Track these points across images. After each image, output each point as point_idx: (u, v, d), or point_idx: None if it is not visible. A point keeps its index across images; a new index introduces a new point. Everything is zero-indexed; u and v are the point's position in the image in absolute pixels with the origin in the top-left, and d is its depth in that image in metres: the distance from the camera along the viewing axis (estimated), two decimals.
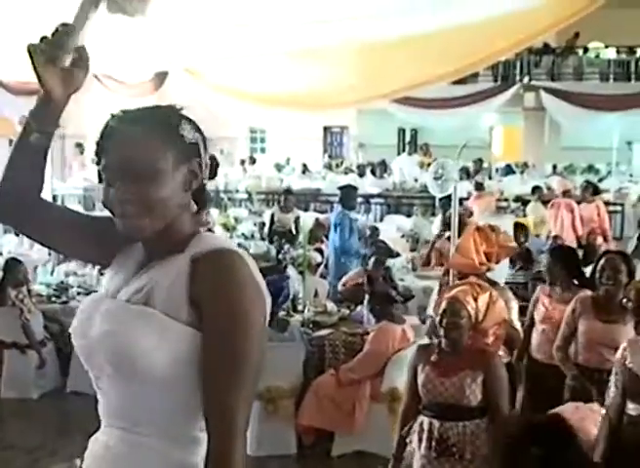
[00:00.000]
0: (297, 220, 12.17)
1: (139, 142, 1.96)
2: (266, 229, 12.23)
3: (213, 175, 2.12)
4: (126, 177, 1.94)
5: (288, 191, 13.62)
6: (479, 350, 4.30)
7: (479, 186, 14.66)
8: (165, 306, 1.95)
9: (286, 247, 9.18)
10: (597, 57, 24.03)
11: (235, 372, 1.88)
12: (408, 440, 4.38)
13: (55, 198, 16.86)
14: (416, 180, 17.63)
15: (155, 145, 1.96)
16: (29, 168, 2.15)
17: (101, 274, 8.70)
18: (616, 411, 4.21)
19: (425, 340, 5.33)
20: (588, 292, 5.44)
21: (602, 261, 5.27)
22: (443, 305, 4.35)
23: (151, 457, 1.99)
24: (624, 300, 4.98)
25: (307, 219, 12.96)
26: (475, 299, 4.30)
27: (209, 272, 1.94)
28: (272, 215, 12.40)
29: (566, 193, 13.19)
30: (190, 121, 2.05)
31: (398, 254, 10.56)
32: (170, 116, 2.03)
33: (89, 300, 2.13)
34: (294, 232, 11.84)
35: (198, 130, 2.07)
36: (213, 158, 2.11)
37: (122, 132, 1.97)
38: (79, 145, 18.84)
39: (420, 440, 4.29)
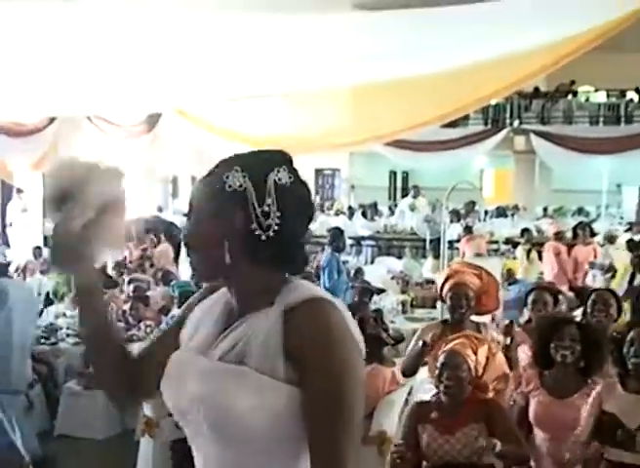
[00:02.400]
0: None
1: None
2: None
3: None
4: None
5: None
6: (480, 401, 4.08)
7: (468, 229, 14.70)
8: (260, 363, 1.87)
9: None
10: (587, 100, 24.23)
11: (343, 427, 1.83)
12: None
13: (46, 239, 16.74)
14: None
15: (200, 195, 1.98)
16: (103, 343, 2.15)
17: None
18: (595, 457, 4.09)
19: (425, 397, 4.85)
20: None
21: (593, 296, 5.42)
22: (442, 358, 4.13)
23: None
24: (614, 333, 5.00)
25: None
26: (475, 352, 4.10)
27: (305, 325, 1.85)
28: None
29: (557, 235, 13.18)
30: (243, 168, 1.91)
31: (382, 291, 10.49)
32: (222, 164, 1.97)
33: (177, 358, 2.04)
34: None
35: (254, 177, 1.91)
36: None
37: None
38: (19, 191, 17.18)
39: None
